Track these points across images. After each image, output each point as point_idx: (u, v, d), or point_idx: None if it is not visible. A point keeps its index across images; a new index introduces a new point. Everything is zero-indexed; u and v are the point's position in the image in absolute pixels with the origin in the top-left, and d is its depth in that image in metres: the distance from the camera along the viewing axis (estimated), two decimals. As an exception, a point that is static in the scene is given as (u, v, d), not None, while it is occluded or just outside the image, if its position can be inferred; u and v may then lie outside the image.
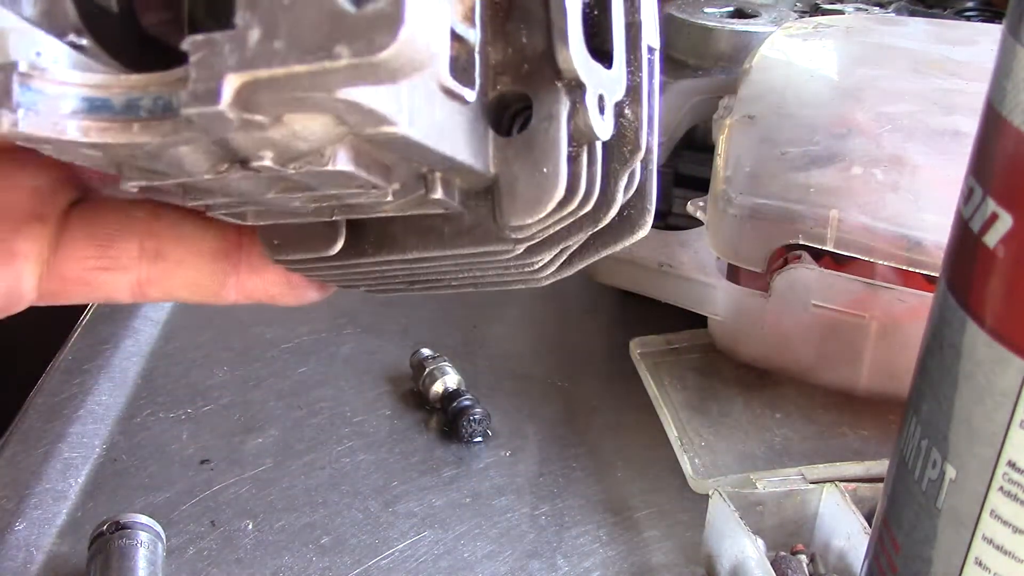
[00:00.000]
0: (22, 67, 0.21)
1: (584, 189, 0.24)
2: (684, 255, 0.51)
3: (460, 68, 0.23)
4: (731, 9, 0.71)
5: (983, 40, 0.59)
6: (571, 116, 0.23)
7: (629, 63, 0.26)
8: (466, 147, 0.23)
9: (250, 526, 0.44)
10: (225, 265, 0.29)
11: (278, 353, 0.55)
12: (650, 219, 0.28)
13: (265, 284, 0.28)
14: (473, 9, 0.23)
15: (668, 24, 0.71)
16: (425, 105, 0.21)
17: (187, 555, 0.42)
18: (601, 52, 0.24)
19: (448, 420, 0.50)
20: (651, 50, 0.28)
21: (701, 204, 0.50)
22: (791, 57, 0.58)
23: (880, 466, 0.44)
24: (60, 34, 0.23)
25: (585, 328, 0.59)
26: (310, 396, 0.52)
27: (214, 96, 0.20)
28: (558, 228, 0.25)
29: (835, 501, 0.41)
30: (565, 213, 0.24)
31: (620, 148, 0.27)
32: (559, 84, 0.24)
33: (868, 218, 0.44)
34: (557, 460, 0.48)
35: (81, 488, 0.46)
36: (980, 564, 0.27)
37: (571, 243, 0.27)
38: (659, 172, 0.28)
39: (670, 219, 0.63)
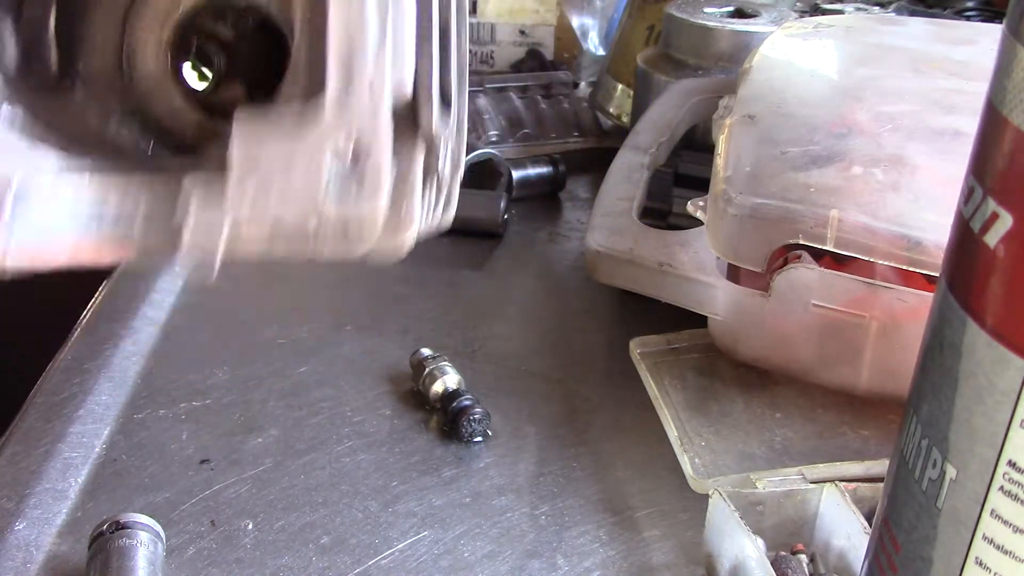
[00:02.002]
0: (13, 184, 0.23)
1: (428, 216, 0.27)
2: (684, 255, 0.51)
3: None
4: (731, 9, 0.72)
5: (983, 40, 0.59)
6: (425, 163, 0.26)
7: (460, 97, 0.29)
8: None
9: (250, 526, 0.44)
10: None
11: (278, 353, 0.55)
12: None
13: None
14: None
15: (668, 24, 0.71)
16: None
17: (187, 555, 0.42)
18: (441, 93, 0.27)
19: (448, 420, 0.50)
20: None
21: (701, 204, 0.50)
22: (791, 57, 0.58)
23: (880, 466, 0.44)
24: None
25: (585, 328, 0.59)
26: (310, 396, 0.52)
27: (215, 243, 0.24)
28: None
29: (835, 501, 0.41)
30: None
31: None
32: (417, 135, 0.27)
33: (868, 218, 0.44)
34: (557, 460, 0.48)
35: (81, 488, 0.45)
36: (981, 564, 0.27)
37: None
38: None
39: (670, 219, 0.64)
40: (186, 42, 0.32)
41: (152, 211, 0.25)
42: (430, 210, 0.29)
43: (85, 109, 0.30)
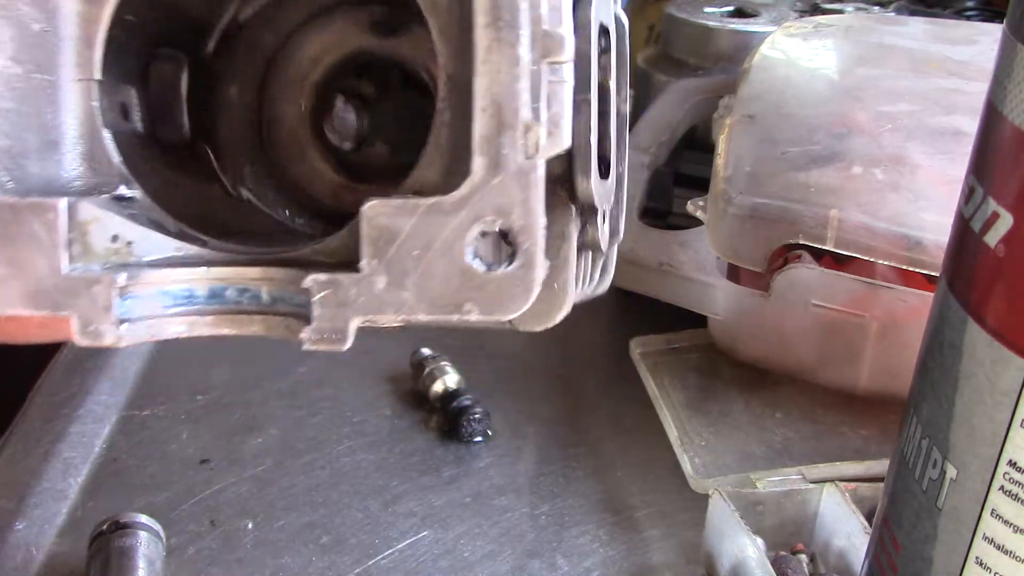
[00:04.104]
0: (120, 280, 0.22)
1: (583, 287, 0.25)
2: (684, 255, 0.51)
3: None
4: (731, 9, 0.72)
5: (983, 40, 0.59)
6: (580, 234, 0.24)
7: (619, 161, 0.27)
8: None
9: (250, 526, 0.44)
10: None
11: (278, 353, 0.55)
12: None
13: None
14: None
15: (668, 24, 0.71)
16: None
17: (187, 555, 0.42)
18: (600, 159, 0.24)
19: (448, 420, 0.50)
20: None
21: (701, 204, 0.50)
22: (791, 56, 0.58)
23: (880, 466, 0.44)
24: (110, 188, 0.24)
25: (585, 328, 0.59)
26: (310, 396, 0.52)
27: (342, 337, 0.22)
28: None
29: (835, 501, 0.41)
30: None
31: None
32: (572, 206, 0.24)
33: (868, 218, 0.44)
34: (557, 460, 0.48)
35: (81, 488, 0.45)
36: (981, 564, 0.27)
37: None
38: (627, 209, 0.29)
39: (670, 219, 0.64)
40: (328, 100, 0.29)
41: (273, 304, 0.23)
42: (585, 281, 0.26)
43: (215, 174, 0.29)
